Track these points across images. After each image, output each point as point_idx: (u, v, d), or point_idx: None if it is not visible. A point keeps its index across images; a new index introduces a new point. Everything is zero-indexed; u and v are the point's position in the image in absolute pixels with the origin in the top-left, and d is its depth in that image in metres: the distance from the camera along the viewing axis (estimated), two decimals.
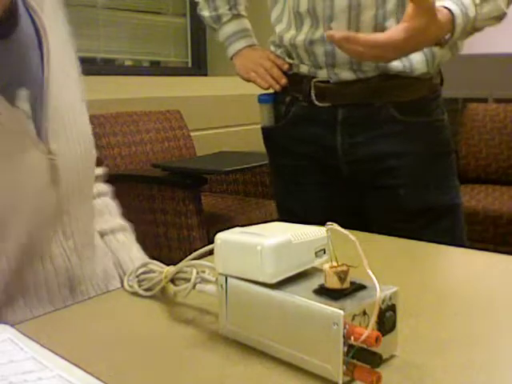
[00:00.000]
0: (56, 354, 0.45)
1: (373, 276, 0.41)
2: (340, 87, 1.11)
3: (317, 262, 0.48)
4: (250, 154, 2.84)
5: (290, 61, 1.18)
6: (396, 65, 1.07)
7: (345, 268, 0.43)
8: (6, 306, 0.60)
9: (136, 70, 3.28)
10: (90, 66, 3.09)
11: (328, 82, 1.11)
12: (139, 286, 0.60)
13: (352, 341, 0.40)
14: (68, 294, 0.65)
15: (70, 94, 0.67)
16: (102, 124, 2.42)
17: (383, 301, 0.43)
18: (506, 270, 0.70)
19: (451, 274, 0.68)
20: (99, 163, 0.79)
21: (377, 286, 0.41)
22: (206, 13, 1.30)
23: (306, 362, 0.43)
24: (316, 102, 1.13)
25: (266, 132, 1.27)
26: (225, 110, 3.14)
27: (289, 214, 1.24)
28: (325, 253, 0.49)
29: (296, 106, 1.18)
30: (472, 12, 0.96)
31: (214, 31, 1.32)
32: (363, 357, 0.40)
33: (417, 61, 1.08)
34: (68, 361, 0.44)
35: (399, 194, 1.13)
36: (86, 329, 0.54)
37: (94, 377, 0.42)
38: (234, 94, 3.21)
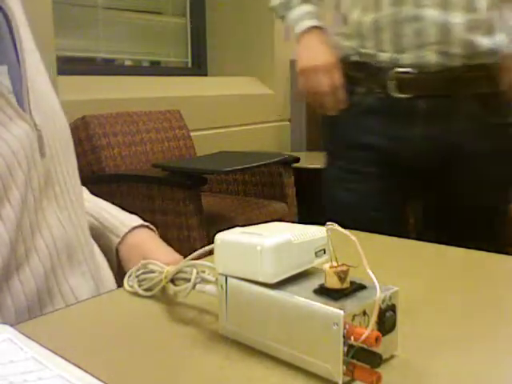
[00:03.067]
0: (56, 354, 0.45)
1: (373, 276, 0.41)
2: (422, 77, 1.09)
3: (317, 262, 0.48)
4: (250, 153, 2.84)
5: (364, 50, 1.14)
6: (485, 43, 1.06)
7: (345, 268, 0.43)
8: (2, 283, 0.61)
9: (136, 70, 3.28)
10: (90, 66, 3.09)
11: (409, 72, 1.09)
12: (139, 285, 0.60)
13: (352, 341, 0.40)
14: (66, 261, 0.65)
15: (39, 73, 0.69)
16: (102, 124, 2.42)
17: (383, 301, 0.43)
18: (506, 270, 0.70)
19: (451, 274, 0.68)
20: None
21: (377, 285, 0.41)
22: (276, 1, 1.28)
23: (305, 362, 0.43)
24: (394, 94, 1.11)
25: (329, 120, 1.23)
26: (225, 110, 3.14)
27: (336, 204, 1.22)
28: (325, 253, 0.49)
29: (371, 96, 1.15)
30: None
31: (284, 20, 1.27)
32: (363, 357, 0.40)
33: (503, 40, 1.07)
34: (68, 361, 0.44)
35: (460, 192, 1.14)
36: (86, 329, 0.54)
37: (94, 377, 0.42)
38: (234, 93, 3.21)
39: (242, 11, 3.45)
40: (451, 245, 0.77)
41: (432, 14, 1.05)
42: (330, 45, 1.20)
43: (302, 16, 1.23)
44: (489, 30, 1.07)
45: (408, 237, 0.84)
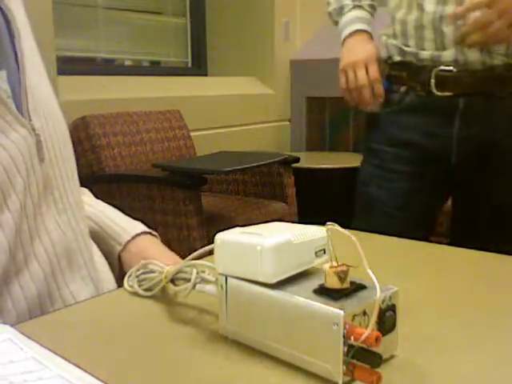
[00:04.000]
0: (56, 354, 0.45)
1: (373, 276, 0.41)
2: (463, 75, 1.10)
3: (317, 262, 0.48)
4: (250, 153, 2.84)
5: (407, 49, 1.16)
6: None
7: (345, 268, 0.43)
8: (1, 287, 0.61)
9: (136, 70, 3.28)
10: (90, 66, 3.09)
11: (450, 70, 1.10)
12: (139, 285, 0.60)
13: (352, 341, 0.40)
14: (66, 265, 0.65)
15: (39, 76, 0.69)
16: (102, 124, 2.42)
17: (383, 301, 0.43)
18: (506, 270, 0.70)
19: (451, 274, 0.68)
20: None
21: (377, 285, 0.41)
22: (331, 7, 1.32)
23: (306, 362, 0.43)
24: (436, 92, 1.13)
25: (371, 119, 1.26)
26: (225, 110, 3.14)
27: (369, 201, 1.24)
28: (325, 253, 0.49)
29: (412, 95, 1.17)
30: None
31: (337, 26, 1.31)
32: (363, 357, 0.40)
33: None
34: (68, 361, 0.44)
35: (495, 191, 1.15)
36: (86, 329, 0.54)
37: (94, 377, 0.42)
38: (234, 93, 3.21)
39: (242, 11, 3.45)
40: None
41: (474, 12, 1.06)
42: (373, 44, 1.23)
43: (351, 21, 1.27)
44: None
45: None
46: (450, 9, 1.08)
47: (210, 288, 0.52)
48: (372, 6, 1.30)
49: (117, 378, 0.43)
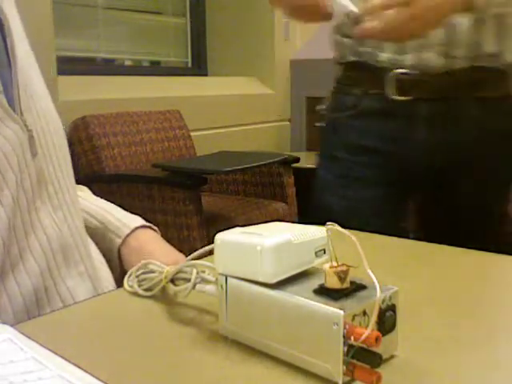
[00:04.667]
0: (56, 354, 0.45)
1: (373, 276, 0.41)
2: (423, 79, 1.05)
3: (317, 262, 0.48)
4: (250, 153, 2.85)
5: (363, 49, 1.10)
6: (491, 45, 1.02)
7: (345, 268, 0.43)
8: None
9: (136, 70, 3.28)
10: (90, 66, 3.09)
11: (409, 74, 1.05)
12: (139, 285, 0.60)
13: (352, 341, 0.40)
14: (62, 261, 0.65)
15: (33, 75, 0.69)
16: (102, 124, 2.42)
17: (383, 301, 0.43)
18: (506, 270, 0.70)
19: (451, 274, 0.68)
20: None
21: (377, 285, 0.41)
22: None
23: (306, 362, 0.43)
24: (395, 96, 1.06)
25: (328, 122, 1.20)
26: (225, 110, 3.14)
27: (329, 212, 1.17)
28: (325, 253, 0.49)
29: (369, 98, 1.11)
30: None
31: None
32: (363, 357, 0.40)
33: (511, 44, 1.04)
34: (68, 361, 0.44)
35: (462, 196, 1.12)
36: (86, 329, 0.54)
37: (94, 377, 0.42)
38: (234, 94, 3.22)
39: (242, 11, 3.45)
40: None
41: None
42: None
43: None
44: (496, 32, 1.04)
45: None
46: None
47: (210, 288, 0.52)
48: None
49: (117, 378, 0.43)
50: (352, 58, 1.13)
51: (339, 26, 1.15)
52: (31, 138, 0.64)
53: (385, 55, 1.07)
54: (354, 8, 0.87)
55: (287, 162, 2.66)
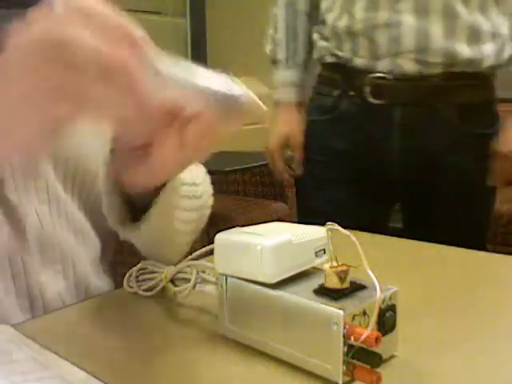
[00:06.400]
0: (56, 354, 0.45)
1: (373, 276, 0.41)
2: (399, 84, 1.05)
3: (317, 262, 0.48)
4: (250, 153, 2.84)
5: (341, 53, 1.11)
6: (466, 52, 1.02)
7: (345, 268, 0.43)
8: None
9: None
10: None
11: (385, 78, 1.05)
12: (139, 286, 0.60)
13: (352, 341, 0.40)
14: (37, 254, 0.64)
15: None
16: None
17: (383, 301, 0.43)
18: (506, 270, 0.70)
19: (451, 274, 0.68)
20: None
21: (377, 285, 0.41)
22: (267, 47, 1.33)
23: (306, 362, 0.43)
24: (370, 100, 1.07)
25: (307, 126, 1.23)
26: None
27: (310, 214, 1.19)
28: (325, 253, 0.49)
29: (346, 101, 1.11)
30: None
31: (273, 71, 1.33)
32: (363, 357, 0.40)
33: (487, 49, 1.03)
34: (68, 361, 0.44)
35: (440, 201, 1.12)
36: (86, 329, 0.54)
37: (94, 377, 0.42)
38: None
39: (242, 11, 3.45)
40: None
41: (409, 20, 1.01)
42: (294, 123, 1.23)
43: (283, 84, 1.29)
44: (471, 38, 1.03)
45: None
46: (382, 16, 1.02)
47: (209, 288, 0.52)
48: (306, 62, 1.26)
49: (117, 378, 0.43)
50: (330, 60, 1.14)
51: (318, 26, 1.17)
52: None
53: (361, 60, 1.07)
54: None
55: None
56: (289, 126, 1.24)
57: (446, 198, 1.12)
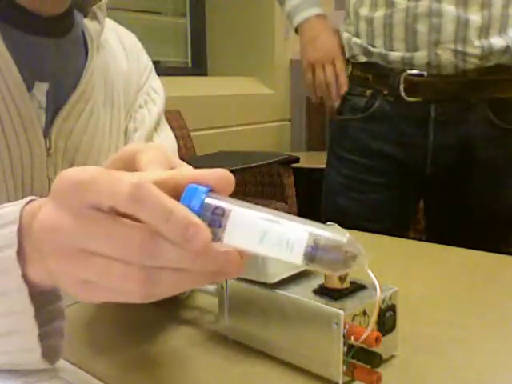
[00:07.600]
0: None
1: (373, 276, 0.41)
2: (433, 80, 1.05)
3: None
4: (250, 153, 2.84)
5: (374, 49, 1.09)
6: (499, 42, 1.02)
7: None
8: None
9: None
10: None
11: (421, 75, 1.05)
12: None
13: (352, 341, 0.40)
14: None
15: (100, 121, 0.68)
16: None
17: (383, 301, 0.43)
18: (506, 270, 0.70)
19: (451, 274, 0.68)
20: None
21: (377, 286, 0.41)
22: None
23: (306, 362, 0.43)
24: (405, 97, 1.06)
25: (336, 124, 1.21)
26: (225, 110, 3.13)
27: (339, 213, 1.18)
28: None
29: (379, 99, 1.11)
30: None
31: (282, 8, 1.25)
32: (363, 357, 0.40)
33: None
34: (68, 361, 0.44)
35: (473, 199, 1.12)
36: (86, 329, 0.54)
37: (94, 377, 0.42)
38: (234, 93, 3.21)
39: (242, 11, 3.45)
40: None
41: (450, 9, 1.02)
42: (335, 32, 1.17)
43: (302, 3, 1.20)
44: (502, 28, 1.04)
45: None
46: (423, 4, 1.02)
47: (210, 288, 0.52)
48: None
49: (117, 377, 0.43)
50: (363, 59, 1.13)
51: (347, 26, 1.16)
52: (50, 161, 0.63)
53: (396, 54, 1.07)
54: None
55: (287, 162, 2.66)
56: (333, 37, 1.17)
57: (477, 194, 1.13)
